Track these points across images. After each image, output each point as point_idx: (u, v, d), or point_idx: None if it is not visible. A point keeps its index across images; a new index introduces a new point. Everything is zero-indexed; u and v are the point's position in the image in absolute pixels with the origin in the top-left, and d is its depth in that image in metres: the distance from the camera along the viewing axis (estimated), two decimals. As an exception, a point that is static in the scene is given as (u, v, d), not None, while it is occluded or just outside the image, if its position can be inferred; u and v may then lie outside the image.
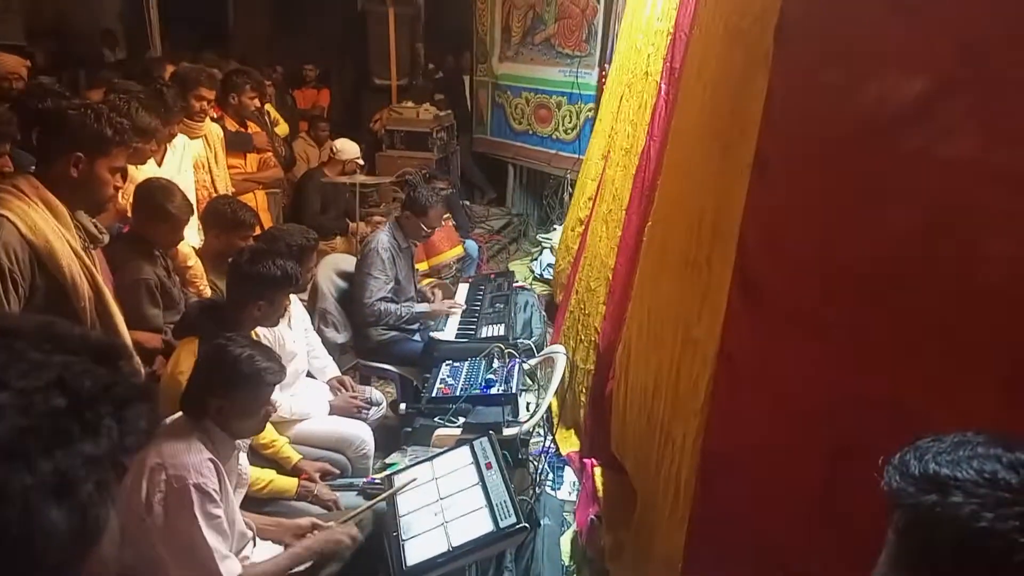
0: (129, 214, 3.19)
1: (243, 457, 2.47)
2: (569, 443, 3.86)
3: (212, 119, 4.42)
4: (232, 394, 2.21)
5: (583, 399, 3.73)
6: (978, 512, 0.83)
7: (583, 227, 4.49)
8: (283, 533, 2.52)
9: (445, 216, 5.59)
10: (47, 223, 2.19)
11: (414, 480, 2.47)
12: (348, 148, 5.85)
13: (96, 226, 2.41)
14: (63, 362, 0.64)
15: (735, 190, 1.79)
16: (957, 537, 0.84)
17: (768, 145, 1.70)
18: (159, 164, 3.65)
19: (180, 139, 3.90)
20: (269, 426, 2.99)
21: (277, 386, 3.11)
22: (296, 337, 3.38)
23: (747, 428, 1.79)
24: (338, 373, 3.70)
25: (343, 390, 3.57)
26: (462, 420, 2.93)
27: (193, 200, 3.57)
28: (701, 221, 2.05)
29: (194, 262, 3.40)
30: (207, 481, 2.09)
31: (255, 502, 2.65)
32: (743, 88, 1.82)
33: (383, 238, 4.12)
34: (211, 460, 2.14)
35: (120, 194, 2.68)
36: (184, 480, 2.05)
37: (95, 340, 0.70)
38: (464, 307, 4.48)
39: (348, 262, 4.37)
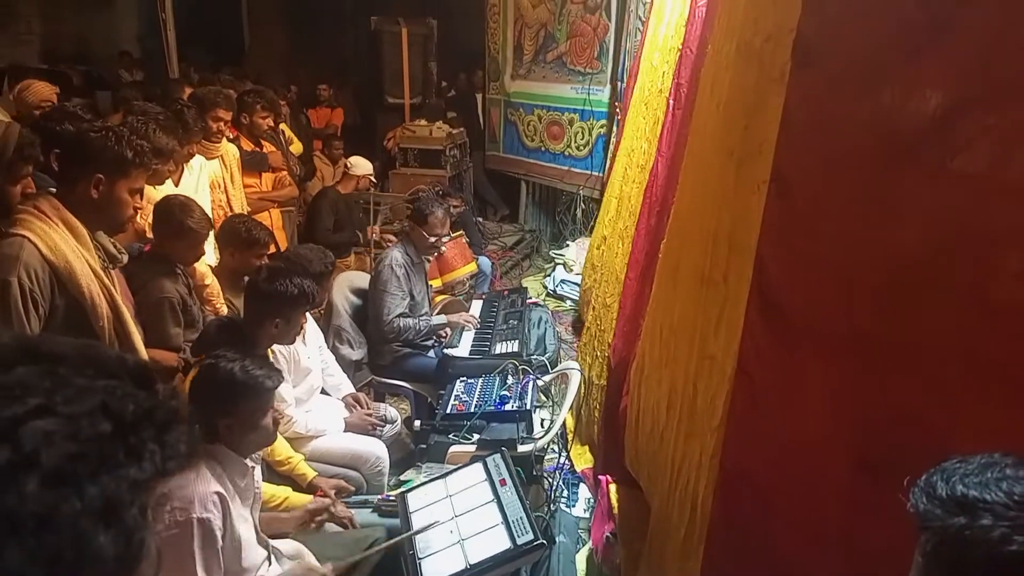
0: (148, 233, 3.21)
1: (257, 472, 2.46)
2: (584, 460, 3.84)
3: (228, 139, 4.46)
4: (236, 408, 2.19)
5: (598, 415, 3.72)
6: (1009, 535, 0.81)
7: (606, 244, 4.50)
8: (284, 524, 2.58)
9: (458, 233, 5.61)
10: (67, 243, 2.21)
11: (434, 523, 2.42)
12: (361, 164, 5.89)
13: (115, 246, 2.43)
14: (106, 387, 0.65)
15: (752, 206, 1.79)
16: (987, 560, 0.82)
17: (785, 161, 1.69)
18: (176, 184, 3.68)
19: (197, 159, 3.94)
20: (285, 443, 3.00)
21: (293, 403, 3.14)
22: (311, 353, 3.39)
23: (766, 446, 1.77)
24: (352, 390, 3.71)
25: (358, 407, 3.57)
26: (476, 437, 2.92)
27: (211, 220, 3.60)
28: (716, 238, 2.05)
29: (211, 280, 3.42)
30: (211, 517, 2.05)
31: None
32: (758, 105, 1.82)
33: (396, 255, 4.13)
34: (217, 493, 2.09)
35: (138, 214, 2.70)
36: (188, 513, 2.01)
37: (133, 364, 0.70)
38: (478, 322, 4.48)
39: (362, 279, 4.38)
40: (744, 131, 1.90)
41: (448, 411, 3.16)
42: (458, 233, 5.62)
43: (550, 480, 3.00)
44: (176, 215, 3.05)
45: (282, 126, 5.99)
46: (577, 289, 6.59)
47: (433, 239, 4.19)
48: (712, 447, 1.96)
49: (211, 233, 3.58)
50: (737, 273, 1.88)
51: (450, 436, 2.96)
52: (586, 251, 6.79)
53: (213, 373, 2.22)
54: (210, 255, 3.69)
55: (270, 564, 2.41)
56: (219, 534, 2.08)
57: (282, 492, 2.76)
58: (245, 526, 2.24)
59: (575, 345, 5.61)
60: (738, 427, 1.87)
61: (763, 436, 1.79)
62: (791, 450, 1.70)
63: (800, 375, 1.66)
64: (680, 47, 3.21)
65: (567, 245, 7.33)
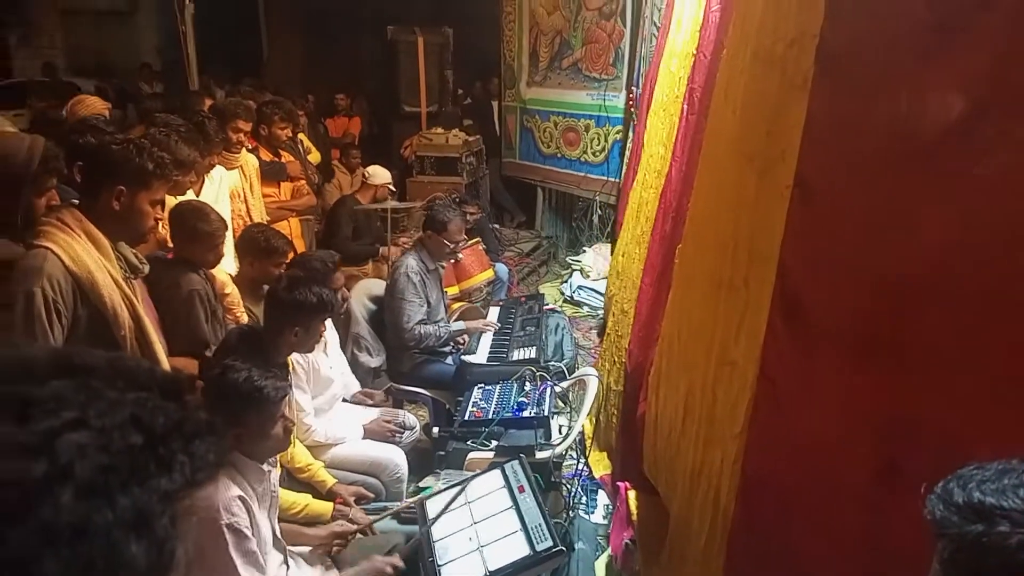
0: (170, 243, 3.25)
1: (274, 476, 2.48)
2: (602, 466, 3.83)
3: (248, 150, 4.50)
4: (243, 419, 2.21)
5: (616, 421, 3.70)
6: None
7: (626, 250, 4.48)
8: (308, 540, 2.59)
9: (475, 239, 5.62)
10: (89, 255, 2.23)
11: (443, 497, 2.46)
12: (380, 173, 5.91)
13: (137, 256, 2.46)
14: (136, 399, 0.66)
15: (774, 212, 1.78)
16: (1004, 568, 0.81)
17: (808, 167, 1.68)
18: (197, 195, 3.71)
19: (217, 170, 3.98)
20: (304, 450, 3.02)
21: (312, 413, 3.16)
22: (332, 363, 3.41)
23: (788, 451, 1.76)
24: (359, 388, 3.73)
25: (369, 402, 3.61)
26: (495, 443, 2.92)
27: (229, 229, 3.63)
28: (736, 243, 2.04)
29: (231, 289, 3.44)
30: (238, 520, 2.09)
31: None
32: (780, 111, 1.81)
33: (411, 262, 4.14)
34: (239, 497, 2.13)
35: (159, 224, 2.73)
36: (216, 522, 2.04)
37: (161, 376, 0.71)
38: (497, 326, 4.49)
39: (380, 287, 4.40)
40: (766, 137, 1.89)
41: (466, 418, 3.17)
42: (475, 240, 5.63)
43: (568, 486, 2.99)
44: (189, 220, 3.09)
45: (300, 136, 6.04)
46: (594, 295, 6.58)
47: (452, 245, 4.22)
48: (734, 453, 1.95)
49: (231, 242, 3.62)
50: (758, 278, 1.87)
51: (468, 443, 2.96)
52: (603, 257, 6.79)
53: (221, 384, 2.23)
54: (230, 264, 3.72)
55: (288, 568, 2.43)
56: (249, 533, 2.12)
57: (302, 499, 2.78)
58: (264, 528, 2.26)
59: (593, 351, 5.60)
60: (760, 433, 1.85)
61: (785, 441, 1.77)
62: (813, 455, 1.68)
63: (823, 380, 1.65)
64: (694, 52, 3.20)
65: (584, 251, 7.33)
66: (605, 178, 7.34)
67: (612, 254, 5.15)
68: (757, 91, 2.01)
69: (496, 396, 3.30)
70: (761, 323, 1.83)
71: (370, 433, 3.46)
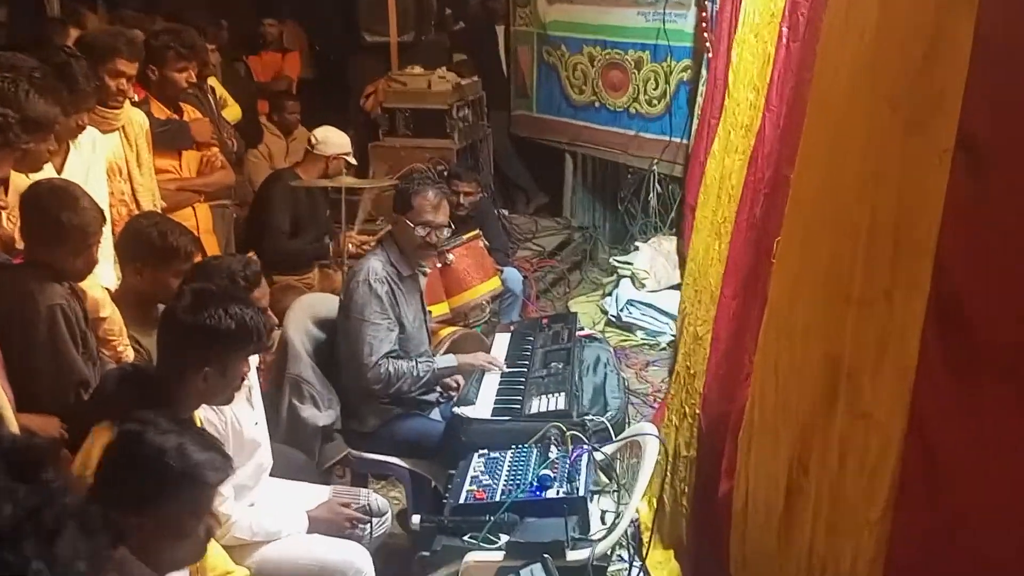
0: (17, 241, 3.25)
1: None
2: (668, 571, 3.82)
3: (133, 103, 4.51)
4: (156, 508, 2.17)
5: (687, 504, 3.69)
6: None
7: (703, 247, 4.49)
8: None
9: (473, 233, 5.63)
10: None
11: None
12: (333, 139, 5.92)
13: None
14: None
15: (929, 187, 1.78)
16: None
17: (977, 122, 1.68)
18: (59, 170, 3.72)
19: (88, 134, 3.98)
20: (221, 552, 3.01)
21: (231, 496, 3.15)
22: (259, 418, 3.40)
23: (951, 544, 1.76)
24: None
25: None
26: (505, 539, 2.92)
27: (108, 222, 3.64)
28: (873, 234, 2.04)
29: (109, 311, 3.44)
30: None
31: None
32: (937, 37, 1.81)
33: (375, 266, 4.12)
34: None
35: (4, 216, 2.73)
36: None
37: (8, 444, 0.71)
38: (505, 367, 4.48)
39: (330, 305, 4.40)
40: (917, 76, 1.89)
41: (462, 500, 3.16)
42: (473, 233, 5.63)
43: (618, 603, 2.99)
44: (48, 209, 3.09)
45: (211, 81, 6.06)
46: (652, 314, 6.58)
47: (424, 231, 4.17)
48: (871, 548, 1.96)
49: (110, 240, 3.62)
50: (907, 286, 1.88)
51: (465, 538, 2.96)
52: (664, 256, 6.78)
53: (133, 450, 2.21)
54: (108, 274, 3.72)
55: None
56: None
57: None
58: None
59: (652, 398, 5.59)
60: (911, 516, 1.86)
61: (948, 528, 1.78)
62: (989, 548, 1.69)
63: (1003, 439, 1.65)
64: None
65: (635, 248, 7.32)
66: (667, 138, 7.34)
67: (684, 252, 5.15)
68: (903, 11, 2.00)
69: (506, 467, 3.30)
70: (911, 354, 1.84)
71: (318, 523, 3.45)
